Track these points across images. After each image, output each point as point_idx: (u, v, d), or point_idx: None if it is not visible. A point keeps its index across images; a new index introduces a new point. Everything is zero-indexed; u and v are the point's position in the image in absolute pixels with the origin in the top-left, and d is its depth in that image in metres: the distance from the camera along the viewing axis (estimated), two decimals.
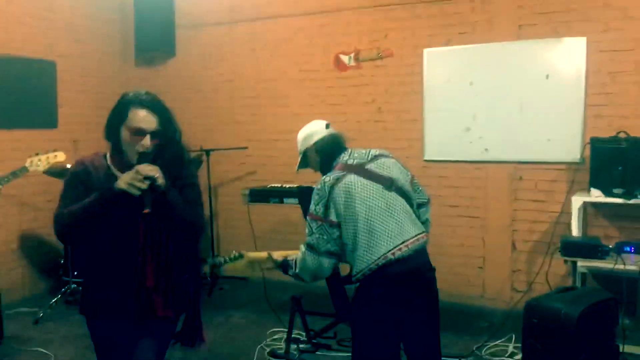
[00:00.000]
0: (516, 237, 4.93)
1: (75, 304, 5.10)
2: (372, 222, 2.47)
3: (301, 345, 4.08)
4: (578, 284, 4.02)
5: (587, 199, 4.17)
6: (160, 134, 2.21)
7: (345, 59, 5.52)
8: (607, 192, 4.04)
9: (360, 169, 2.58)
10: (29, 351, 4.17)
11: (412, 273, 2.49)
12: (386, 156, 2.70)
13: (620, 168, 3.99)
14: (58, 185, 5.47)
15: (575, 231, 4.16)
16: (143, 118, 2.17)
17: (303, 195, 4.12)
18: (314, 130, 2.79)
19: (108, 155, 2.29)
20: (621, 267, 3.69)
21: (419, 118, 5.20)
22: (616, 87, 4.47)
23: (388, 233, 2.47)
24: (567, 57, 4.61)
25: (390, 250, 2.45)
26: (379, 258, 2.45)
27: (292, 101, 5.82)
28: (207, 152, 5.73)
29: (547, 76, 4.68)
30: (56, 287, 5.40)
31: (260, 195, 4.72)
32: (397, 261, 2.45)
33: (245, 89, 6.06)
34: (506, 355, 3.96)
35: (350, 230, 2.49)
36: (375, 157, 2.65)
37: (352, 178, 2.53)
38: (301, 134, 2.82)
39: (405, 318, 2.51)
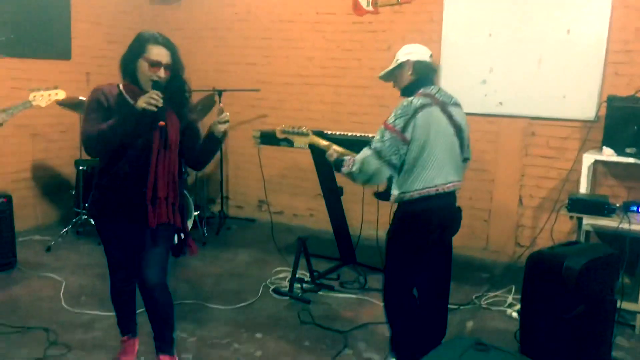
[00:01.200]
0: (523, 193, 4.95)
1: (85, 234, 5.22)
2: (435, 155, 2.71)
3: (304, 285, 4.18)
4: (582, 241, 4.05)
5: (599, 157, 4.15)
6: (171, 68, 2.64)
7: (363, 2, 5.39)
8: (620, 151, 4.01)
9: (444, 106, 2.78)
10: (41, 277, 4.31)
11: (447, 209, 2.84)
12: (461, 107, 2.91)
13: (635, 127, 3.95)
14: (70, 117, 5.58)
15: (583, 189, 4.16)
16: (159, 52, 2.60)
17: None
18: (420, 50, 2.88)
19: (121, 85, 2.68)
20: (626, 226, 3.70)
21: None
22: (639, 44, 4.38)
23: (443, 170, 2.74)
24: (591, 11, 4.48)
25: (438, 185, 2.73)
26: (426, 188, 2.72)
27: (306, 44, 5.74)
28: (219, 92, 5.70)
29: (569, 31, 4.58)
30: (67, 217, 5.51)
31: (270, 138, 4.71)
32: (437, 196, 2.74)
33: (259, 29, 5.97)
34: (505, 305, 4.04)
35: (414, 152, 2.69)
36: (456, 105, 2.87)
37: (436, 110, 2.74)
38: (405, 47, 2.91)
39: (429, 247, 2.81)
